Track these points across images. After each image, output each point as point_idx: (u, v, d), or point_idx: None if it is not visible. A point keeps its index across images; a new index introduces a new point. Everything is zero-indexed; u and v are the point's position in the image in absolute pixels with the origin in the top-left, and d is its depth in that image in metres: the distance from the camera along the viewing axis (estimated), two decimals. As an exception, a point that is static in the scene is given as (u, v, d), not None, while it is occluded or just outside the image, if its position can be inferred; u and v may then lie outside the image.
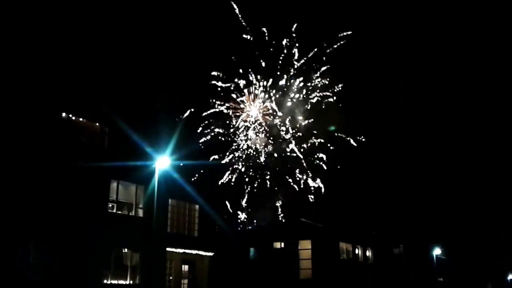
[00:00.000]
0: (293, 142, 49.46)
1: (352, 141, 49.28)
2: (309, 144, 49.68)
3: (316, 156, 49.41)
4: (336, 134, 49.24)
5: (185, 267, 32.63)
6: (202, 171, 37.20)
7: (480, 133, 68.78)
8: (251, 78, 48.01)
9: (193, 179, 32.13)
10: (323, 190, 48.15)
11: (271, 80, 48.42)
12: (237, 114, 47.97)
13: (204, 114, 44.26)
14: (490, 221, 71.38)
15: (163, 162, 25.76)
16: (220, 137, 46.96)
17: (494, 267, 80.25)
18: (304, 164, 49.47)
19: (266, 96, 48.46)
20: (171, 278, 31.43)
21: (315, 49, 48.84)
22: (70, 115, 26.20)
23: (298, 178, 48.67)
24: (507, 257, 78.00)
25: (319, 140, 49.29)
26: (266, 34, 47.77)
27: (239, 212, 45.27)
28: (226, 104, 47.05)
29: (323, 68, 49.59)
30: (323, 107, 49.44)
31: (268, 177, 49.08)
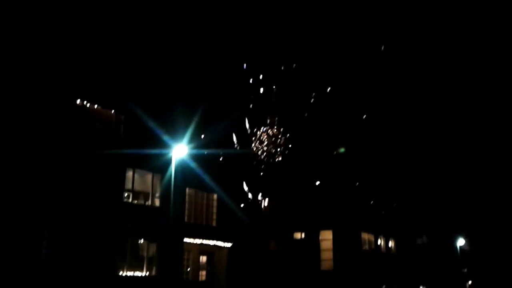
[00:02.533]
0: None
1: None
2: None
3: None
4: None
5: (203, 258, 31.91)
6: (221, 159, 36.28)
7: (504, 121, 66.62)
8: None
9: (211, 168, 31.10)
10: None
11: None
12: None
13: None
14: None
15: (180, 150, 25.08)
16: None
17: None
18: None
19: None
20: (188, 269, 30.78)
21: None
22: (85, 102, 25.40)
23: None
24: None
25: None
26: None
27: (259, 202, 44.34)
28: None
29: None
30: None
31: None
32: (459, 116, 61.18)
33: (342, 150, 45.69)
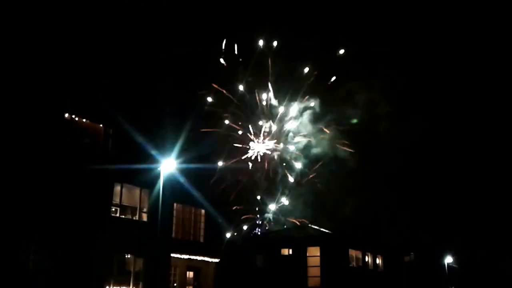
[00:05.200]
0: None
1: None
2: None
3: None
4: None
5: (190, 274, 31.94)
6: (208, 175, 36.54)
7: (487, 135, 67.32)
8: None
9: (198, 183, 31.28)
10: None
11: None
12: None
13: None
14: (503, 228, 70.13)
15: (168, 165, 25.28)
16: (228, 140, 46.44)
17: (505, 276, 78.90)
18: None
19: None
20: (175, 285, 30.73)
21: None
22: (73, 116, 25.57)
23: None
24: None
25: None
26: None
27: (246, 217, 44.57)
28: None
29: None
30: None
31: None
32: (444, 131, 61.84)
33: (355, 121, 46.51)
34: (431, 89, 64.62)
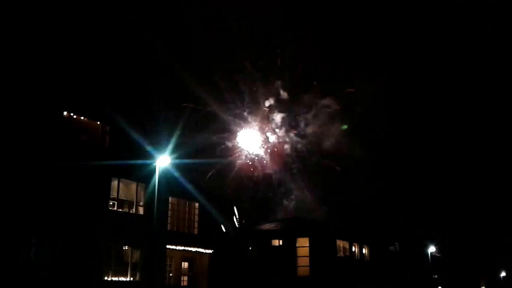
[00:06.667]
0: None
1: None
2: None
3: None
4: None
5: (185, 264, 32.97)
6: (203, 169, 37.43)
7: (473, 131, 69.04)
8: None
9: (193, 177, 32.21)
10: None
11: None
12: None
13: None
14: (484, 218, 72.07)
15: (163, 160, 26.12)
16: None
17: (487, 264, 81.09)
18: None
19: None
20: (171, 275, 31.76)
21: None
22: (72, 114, 26.37)
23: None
24: (500, 254, 78.95)
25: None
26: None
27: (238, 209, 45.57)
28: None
29: None
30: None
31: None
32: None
33: (345, 127, 47.83)
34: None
